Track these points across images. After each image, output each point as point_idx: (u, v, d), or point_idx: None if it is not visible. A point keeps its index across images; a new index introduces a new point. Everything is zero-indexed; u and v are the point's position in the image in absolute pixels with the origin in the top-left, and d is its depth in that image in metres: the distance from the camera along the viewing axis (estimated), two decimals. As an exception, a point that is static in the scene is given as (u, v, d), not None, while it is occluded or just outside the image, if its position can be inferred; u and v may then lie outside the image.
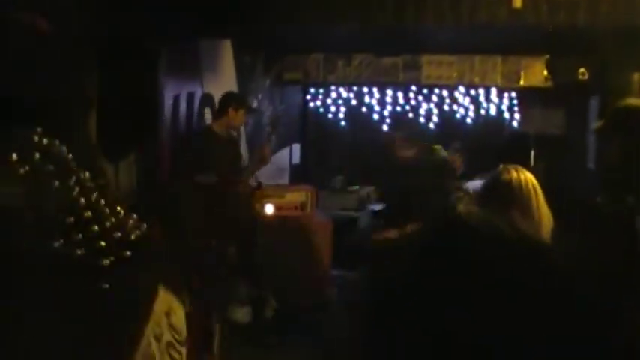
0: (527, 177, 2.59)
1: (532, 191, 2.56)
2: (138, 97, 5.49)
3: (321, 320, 6.48)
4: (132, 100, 5.43)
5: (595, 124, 3.05)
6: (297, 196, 7.49)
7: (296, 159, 9.21)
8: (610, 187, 2.92)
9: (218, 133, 6.12)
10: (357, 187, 8.97)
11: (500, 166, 2.66)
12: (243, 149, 7.15)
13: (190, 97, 6.62)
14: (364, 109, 9.31)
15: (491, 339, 0.83)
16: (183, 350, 2.41)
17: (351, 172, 9.15)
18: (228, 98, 6.35)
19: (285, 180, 8.46)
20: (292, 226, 7.13)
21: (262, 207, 6.82)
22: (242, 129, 7.16)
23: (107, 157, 5.51)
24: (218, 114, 6.32)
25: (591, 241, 2.66)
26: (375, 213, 6.79)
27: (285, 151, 8.80)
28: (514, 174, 2.57)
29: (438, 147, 6.30)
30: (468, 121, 8.96)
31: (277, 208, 7.22)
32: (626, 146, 2.84)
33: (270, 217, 7.02)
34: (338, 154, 9.53)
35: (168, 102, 6.15)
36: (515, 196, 2.51)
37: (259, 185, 6.67)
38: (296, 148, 9.22)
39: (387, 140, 6.72)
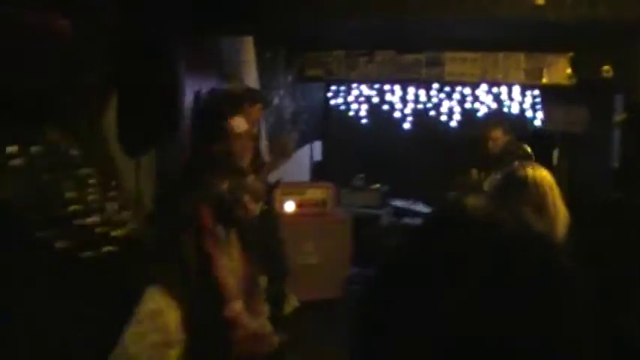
0: (543, 174, 2.57)
1: (547, 189, 2.53)
2: (159, 93, 5.51)
3: (340, 318, 6.46)
4: (153, 95, 5.46)
5: (617, 117, 3.02)
6: (317, 193, 7.49)
7: (317, 156, 9.21)
8: (629, 180, 2.88)
9: (234, 129, 6.11)
10: (378, 184, 8.95)
11: (516, 162, 2.64)
12: (264, 146, 7.15)
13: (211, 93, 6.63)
14: (386, 106, 9.28)
15: (479, 339, 0.80)
16: (174, 352, 2.38)
17: (373, 169, 9.13)
18: (243, 94, 6.35)
19: (305, 177, 8.46)
20: (312, 223, 7.14)
21: (282, 204, 6.81)
22: (263, 126, 7.16)
23: (127, 153, 5.55)
24: (235, 111, 6.32)
25: (611, 236, 2.63)
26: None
27: (306, 148, 8.80)
28: (529, 171, 2.55)
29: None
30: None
31: (298, 204, 7.22)
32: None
33: (291, 213, 7.03)
34: (359, 152, 9.51)
35: (189, 98, 6.17)
36: (530, 193, 2.49)
37: (277, 183, 6.67)
38: (317, 145, 9.21)
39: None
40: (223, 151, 3.46)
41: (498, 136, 6.67)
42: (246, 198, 5.80)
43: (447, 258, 0.86)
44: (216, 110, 5.45)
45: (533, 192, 2.50)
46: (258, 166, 6.23)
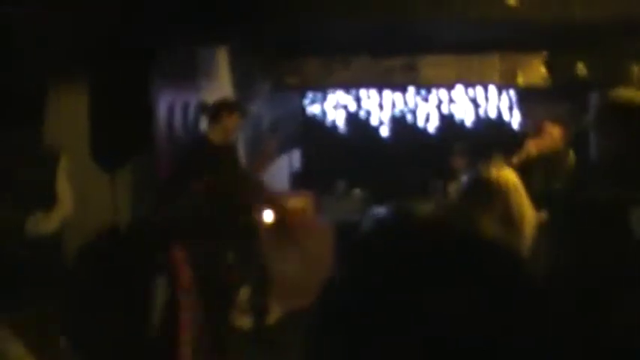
0: (508, 175, 2.53)
1: (512, 190, 2.50)
2: (132, 106, 5.46)
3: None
4: (126, 108, 5.40)
5: (589, 115, 3.00)
6: (297, 202, 7.44)
7: (296, 164, 9.17)
8: (604, 180, 2.86)
9: (214, 142, 6.00)
10: (359, 190, 8.92)
11: (482, 164, 2.61)
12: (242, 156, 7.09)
13: (186, 105, 6.58)
14: (363, 113, 9.26)
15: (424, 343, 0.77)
16: None
17: (352, 176, 9.10)
18: (220, 104, 6.26)
19: (285, 186, 8.41)
20: (293, 231, 7.08)
21: (261, 213, 6.76)
22: (240, 136, 7.10)
23: (102, 167, 5.48)
24: (212, 121, 6.22)
25: (585, 236, 2.61)
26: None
27: (284, 157, 8.75)
28: (494, 172, 2.52)
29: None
30: (468, 122, 8.89)
31: (277, 213, 7.16)
32: (619, 138, 2.78)
33: (270, 223, 6.97)
34: (338, 159, 9.48)
35: (163, 110, 6.11)
36: (493, 194, 2.45)
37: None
38: (296, 153, 9.17)
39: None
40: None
41: (552, 133, 6.09)
42: None
43: (389, 264, 0.84)
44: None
45: (496, 194, 2.46)
46: (238, 177, 6.18)
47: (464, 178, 2.58)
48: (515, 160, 5.79)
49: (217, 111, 6.13)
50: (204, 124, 6.87)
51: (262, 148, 6.48)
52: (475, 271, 0.80)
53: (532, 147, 5.87)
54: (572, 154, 5.95)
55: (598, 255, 2.40)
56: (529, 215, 2.49)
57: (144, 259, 4.38)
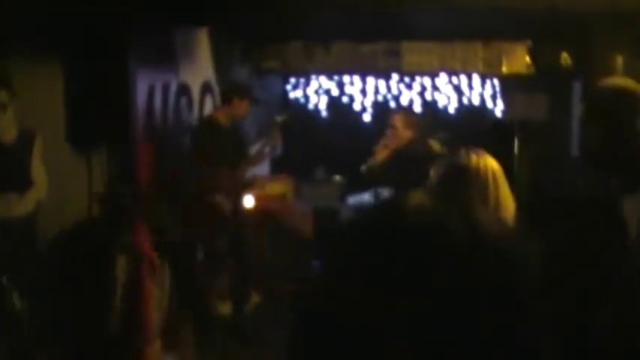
0: (487, 162, 2.46)
1: (491, 177, 2.43)
2: (109, 88, 5.36)
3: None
4: (103, 90, 5.30)
5: (580, 109, 2.96)
6: (277, 187, 7.39)
7: (277, 149, 9.09)
8: (591, 171, 2.82)
9: (221, 122, 6.14)
10: (339, 177, 8.86)
11: (462, 150, 2.53)
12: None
13: (166, 87, 6.48)
14: (345, 98, 9.19)
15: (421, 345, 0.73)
16: None
17: (333, 162, 9.03)
18: (232, 88, 6.46)
19: (265, 171, 8.33)
20: (273, 216, 7.03)
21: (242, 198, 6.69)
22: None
23: (77, 150, 5.39)
24: (222, 103, 6.43)
25: (575, 229, 2.57)
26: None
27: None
28: (473, 158, 2.44)
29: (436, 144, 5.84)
30: (451, 110, 8.86)
31: (257, 199, 7.10)
32: (607, 128, 2.74)
33: (250, 208, 6.90)
34: (319, 145, 9.41)
35: (142, 92, 6.01)
36: (471, 181, 2.39)
37: (253, 178, 6.66)
38: (277, 138, 9.09)
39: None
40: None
41: (398, 126, 5.85)
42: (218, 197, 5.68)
43: (385, 254, 0.79)
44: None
45: (473, 180, 2.39)
46: (237, 161, 6.20)
47: (442, 164, 2.50)
48: (370, 165, 5.76)
49: (229, 95, 6.29)
50: (184, 106, 6.86)
51: (267, 141, 6.49)
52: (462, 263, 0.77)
53: (380, 152, 5.83)
54: (432, 142, 5.81)
55: (590, 246, 2.36)
56: (509, 204, 2.44)
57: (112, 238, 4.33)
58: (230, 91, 6.38)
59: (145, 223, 3.14)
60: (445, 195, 2.36)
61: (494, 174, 2.40)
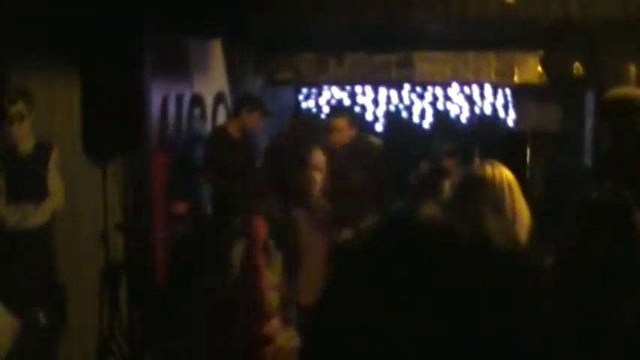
0: (503, 173, 2.48)
1: (507, 188, 2.44)
2: (124, 98, 5.40)
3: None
4: (118, 101, 5.34)
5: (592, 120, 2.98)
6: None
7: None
8: (604, 180, 2.83)
9: (231, 134, 6.17)
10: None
11: (477, 161, 2.56)
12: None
13: (179, 98, 6.52)
14: (357, 108, 9.20)
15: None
16: None
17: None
18: (242, 100, 6.47)
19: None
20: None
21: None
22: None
23: (93, 161, 5.42)
24: (232, 115, 6.49)
25: (589, 237, 2.57)
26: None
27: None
28: (488, 170, 2.46)
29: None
30: (463, 119, 8.86)
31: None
32: (618, 136, 2.75)
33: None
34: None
35: (156, 103, 6.06)
36: (488, 193, 2.40)
37: None
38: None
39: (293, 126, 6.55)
40: (298, 182, 3.67)
41: (342, 127, 5.88)
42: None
43: (397, 268, 0.81)
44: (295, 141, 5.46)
45: (490, 192, 2.41)
46: (249, 172, 6.21)
47: (458, 175, 2.53)
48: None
49: (238, 106, 6.31)
50: (197, 117, 6.90)
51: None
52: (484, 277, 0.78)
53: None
54: (371, 138, 6.17)
55: (602, 254, 2.37)
56: (524, 215, 2.45)
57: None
58: (239, 103, 6.40)
59: (258, 211, 3.35)
60: (461, 206, 2.38)
61: (509, 185, 2.42)
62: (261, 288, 3.14)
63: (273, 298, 3.21)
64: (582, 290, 2.26)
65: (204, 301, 3.66)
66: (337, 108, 8.29)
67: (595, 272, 2.47)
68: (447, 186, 5.73)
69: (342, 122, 5.95)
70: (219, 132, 6.41)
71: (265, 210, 3.32)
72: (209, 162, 6.07)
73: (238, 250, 3.15)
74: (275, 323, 3.19)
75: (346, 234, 5.19)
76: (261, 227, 3.25)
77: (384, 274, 0.78)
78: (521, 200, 2.42)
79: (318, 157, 4.13)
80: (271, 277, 3.21)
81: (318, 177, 3.81)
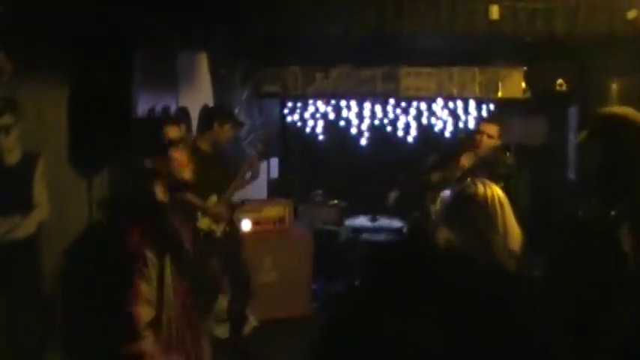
0: (495, 191, 2.50)
1: (498, 206, 2.46)
2: (112, 109, 5.39)
3: (301, 334, 6.38)
4: (105, 112, 5.33)
5: (579, 135, 3.00)
6: (275, 211, 7.40)
7: (274, 173, 9.13)
8: (593, 198, 2.86)
9: (201, 148, 5.99)
10: (337, 200, 8.89)
11: (468, 179, 2.57)
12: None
13: (165, 110, 6.51)
14: (342, 122, 9.25)
15: None
16: None
17: (330, 185, 9.07)
18: (213, 112, 6.25)
19: (263, 194, 8.36)
20: (271, 240, 7.04)
21: (239, 222, 6.70)
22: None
23: (79, 173, 5.41)
24: (203, 128, 6.21)
25: (576, 255, 2.60)
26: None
27: (263, 165, 8.69)
28: (480, 188, 2.48)
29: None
30: (447, 134, 8.92)
31: (255, 222, 7.12)
32: (607, 155, 2.79)
33: (248, 232, 6.92)
34: (317, 168, 9.46)
35: (143, 114, 6.04)
36: (481, 211, 2.42)
37: (241, 203, 6.58)
38: (274, 162, 9.13)
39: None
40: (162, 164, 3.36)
41: (493, 134, 5.78)
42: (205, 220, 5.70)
43: (414, 290, 0.83)
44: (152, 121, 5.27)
45: (483, 210, 2.43)
46: (224, 187, 6.12)
47: (447, 193, 2.53)
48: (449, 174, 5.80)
49: (209, 120, 6.09)
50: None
51: (247, 166, 6.35)
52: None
53: (464, 161, 5.86)
54: (507, 153, 5.96)
55: (589, 270, 2.40)
56: (515, 232, 2.46)
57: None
58: (210, 117, 6.16)
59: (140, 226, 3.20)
60: (453, 224, 2.40)
61: (501, 202, 2.44)
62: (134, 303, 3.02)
63: (144, 314, 3.07)
64: (570, 304, 2.29)
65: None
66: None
67: (582, 287, 2.50)
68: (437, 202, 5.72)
69: (491, 127, 5.84)
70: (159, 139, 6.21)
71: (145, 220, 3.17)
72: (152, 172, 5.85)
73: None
74: (145, 345, 3.06)
75: None
76: (138, 238, 3.10)
77: (398, 289, 0.80)
78: (512, 218, 2.44)
79: None
80: (146, 291, 3.08)
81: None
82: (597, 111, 2.98)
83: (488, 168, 5.55)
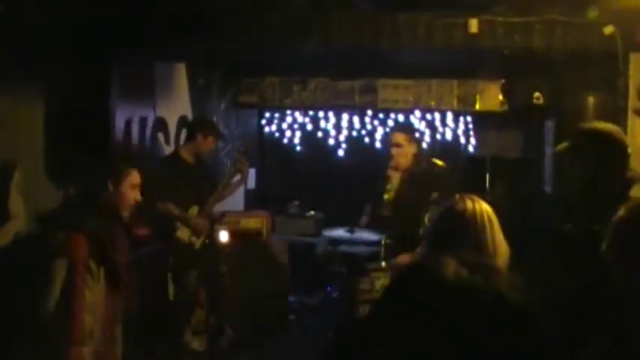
0: (483, 207, 2.49)
1: (487, 223, 2.46)
2: (89, 120, 5.35)
3: (277, 347, 6.36)
4: (82, 122, 5.29)
5: (559, 146, 3.02)
6: (252, 222, 7.37)
7: (251, 184, 9.09)
8: (572, 212, 2.87)
9: (184, 159, 6.04)
10: (313, 212, 8.88)
11: (457, 195, 2.56)
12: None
13: (143, 121, 6.47)
14: (320, 133, 9.25)
15: None
16: None
17: (307, 197, 9.06)
18: (196, 124, 6.32)
19: (240, 206, 8.33)
20: (248, 252, 7.01)
21: (217, 234, 6.65)
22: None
23: (56, 183, 5.34)
24: (186, 139, 6.26)
25: (560, 270, 2.61)
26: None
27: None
28: (469, 204, 2.47)
29: None
30: (424, 145, 8.95)
31: (232, 234, 7.08)
32: (588, 169, 2.80)
33: (225, 243, 6.88)
34: (294, 179, 9.44)
35: (120, 126, 6.00)
36: (469, 228, 2.41)
37: (222, 215, 6.55)
38: (251, 173, 9.10)
39: None
40: (108, 197, 3.51)
41: (401, 143, 5.63)
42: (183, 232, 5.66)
43: (423, 322, 0.82)
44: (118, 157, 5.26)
45: (472, 227, 2.42)
46: (205, 197, 6.11)
47: (435, 209, 2.53)
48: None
49: (192, 131, 6.14)
50: (161, 140, 6.84)
51: (234, 169, 6.35)
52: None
53: (393, 177, 5.70)
54: (437, 162, 5.75)
55: (572, 285, 2.41)
56: (503, 249, 2.46)
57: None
58: (193, 128, 6.23)
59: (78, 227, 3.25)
60: (441, 240, 2.39)
61: (489, 218, 2.44)
62: (77, 311, 3.05)
63: (87, 322, 3.10)
64: (558, 323, 2.30)
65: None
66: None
67: (566, 301, 2.50)
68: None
69: (402, 138, 5.69)
70: (170, 157, 6.25)
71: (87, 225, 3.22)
72: (160, 187, 5.82)
73: (60, 269, 3.06)
74: (84, 353, 3.09)
75: None
76: (82, 244, 3.15)
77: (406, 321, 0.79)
78: (500, 234, 2.44)
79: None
80: (89, 299, 3.11)
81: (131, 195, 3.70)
82: (580, 125, 3.00)
83: (416, 182, 5.44)
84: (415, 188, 5.40)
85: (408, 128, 6.24)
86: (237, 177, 6.33)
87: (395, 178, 5.68)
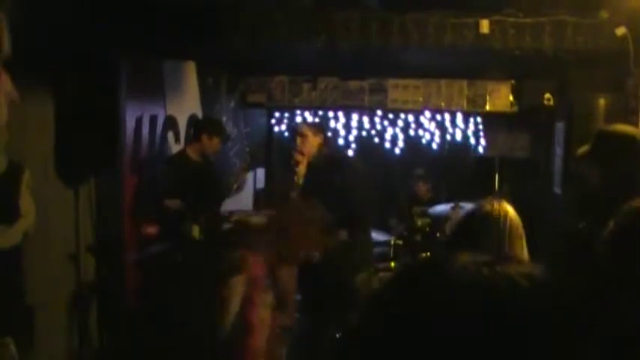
0: (508, 212, 2.47)
1: (508, 227, 2.44)
2: (98, 119, 5.36)
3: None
4: (92, 121, 5.30)
5: (580, 149, 3.00)
6: (261, 221, 7.35)
7: (260, 183, 9.09)
8: (590, 214, 2.85)
9: (191, 158, 6.11)
10: (323, 211, 8.85)
11: (485, 199, 2.54)
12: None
13: (153, 119, 6.49)
14: (329, 133, 9.22)
15: None
16: None
17: (316, 196, 9.03)
18: (202, 125, 6.39)
19: (248, 205, 8.32)
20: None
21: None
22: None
23: (66, 182, 5.36)
24: (192, 139, 6.37)
25: (576, 271, 2.59)
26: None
27: (249, 176, 8.66)
28: (495, 207, 2.45)
29: None
30: (434, 146, 8.94)
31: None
32: (608, 172, 2.79)
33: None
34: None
35: (130, 124, 6.01)
36: (492, 230, 2.40)
37: (229, 214, 6.57)
38: (260, 172, 9.10)
39: None
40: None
41: (307, 134, 5.67)
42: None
43: (434, 317, 0.81)
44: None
45: (494, 229, 2.41)
46: (211, 196, 6.17)
47: (458, 214, 2.53)
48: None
49: (197, 131, 6.24)
50: (171, 139, 6.85)
51: (234, 179, 6.47)
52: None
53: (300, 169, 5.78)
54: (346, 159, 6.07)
55: (586, 285, 2.39)
56: (522, 252, 2.45)
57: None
58: (198, 128, 6.33)
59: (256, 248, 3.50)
60: (465, 241, 2.38)
61: (512, 223, 2.42)
62: (254, 326, 3.25)
63: (263, 336, 3.29)
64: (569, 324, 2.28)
65: (187, 332, 3.67)
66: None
67: (581, 307, 2.49)
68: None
69: (309, 130, 5.78)
70: (178, 156, 6.32)
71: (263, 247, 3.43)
72: (168, 185, 5.92)
73: (238, 286, 3.21)
74: None
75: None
76: (258, 264, 3.35)
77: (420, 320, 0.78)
78: (520, 240, 2.42)
79: None
80: (264, 315, 3.29)
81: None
82: (602, 128, 2.98)
83: (318, 176, 5.53)
84: (318, 173, 5.55)
85: (316, 124, 6.51)
86: (235, 186, 6.46)
87: (303, 164, 5.74)
